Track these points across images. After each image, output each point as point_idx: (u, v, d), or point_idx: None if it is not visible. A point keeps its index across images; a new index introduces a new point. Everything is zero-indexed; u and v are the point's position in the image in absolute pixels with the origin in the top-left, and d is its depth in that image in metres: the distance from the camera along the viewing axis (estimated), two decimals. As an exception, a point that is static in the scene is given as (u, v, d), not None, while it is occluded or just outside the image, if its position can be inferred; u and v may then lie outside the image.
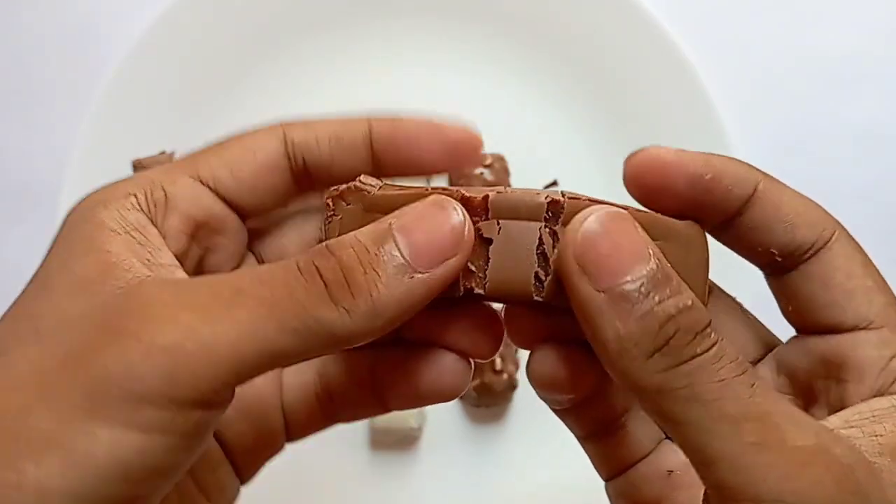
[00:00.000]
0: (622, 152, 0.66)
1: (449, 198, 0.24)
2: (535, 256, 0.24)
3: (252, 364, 0.20)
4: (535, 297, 0.24)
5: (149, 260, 0.24)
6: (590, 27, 0.58)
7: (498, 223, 0.24)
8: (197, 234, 0.27)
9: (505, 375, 0.55)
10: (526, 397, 0.57)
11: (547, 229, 0.24)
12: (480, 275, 0.24)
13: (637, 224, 0.23)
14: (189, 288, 0.22)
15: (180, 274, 0.25)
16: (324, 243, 0.22)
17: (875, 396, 0.24)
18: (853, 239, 0.26)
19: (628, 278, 0.21)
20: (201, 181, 0.26)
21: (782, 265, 0.27)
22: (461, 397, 0.57)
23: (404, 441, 0.56)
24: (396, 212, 0.23)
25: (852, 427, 0.23)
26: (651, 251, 0.22)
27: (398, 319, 0.22)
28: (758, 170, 0.27)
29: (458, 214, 0.23)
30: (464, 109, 0.61)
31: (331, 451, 0.56)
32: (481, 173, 0.57)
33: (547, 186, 0.59)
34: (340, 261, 0.21)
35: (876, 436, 0.22)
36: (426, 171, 0.29)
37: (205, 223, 0.26)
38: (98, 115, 0.56)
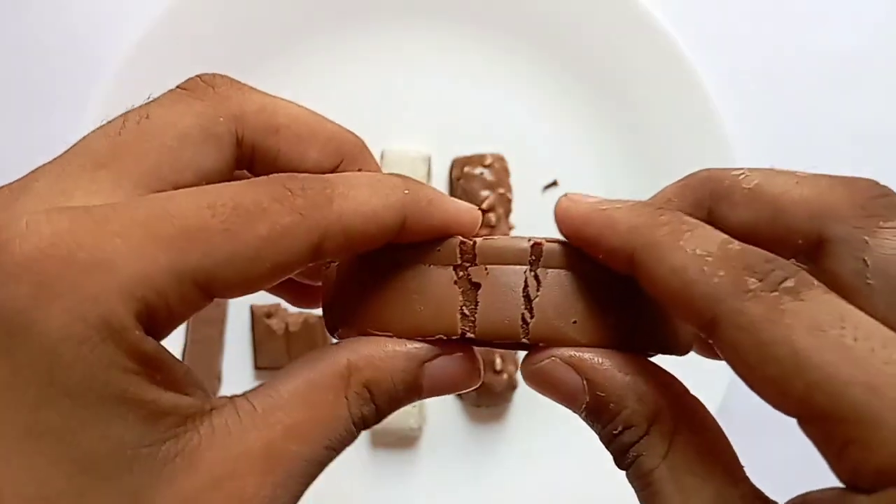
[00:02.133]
0: (622, 152, 0.67)
1: (478, 359, 0.26)
2: (521, 299, 0.24)
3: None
4: (523, 339, 0.24)
5: (172, 383, 0.21)
6: (590, 28, 0.58)
7: (486, 268, 0.25)
8: None
9: (505, 375, 0.55)
10: (526, 397, 0.57)
11: (532, 273, 0.25)
12: (471, 319, 0.24)
13: (567, 366, 0.25)
14: (286, 474, 0.22)
15: (193, 377, 0.23)
16: (367, 390, 0.24)
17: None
18: (747, 310, 0.20)
19: (578, 412, 0.25)
20: (212, 293, 0.21)
21: None
22: (461, 397, 0.57)
23: (404, 441, 0.56)
24: (433, 361, 0.25)
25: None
26: (581, 390, 0.24)
27: None
28: (647, 232, 0.22)
29: (479, 376, 0.26)
30: (464, 109, 0.61)
31: (331, 451, 0.56)
32: (481, 173, 0.57)
33: (547, 186, 0.59)
34: (376, 399, 0.24)
35: None
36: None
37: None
38: (98, 115, 0.56)
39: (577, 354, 0.24)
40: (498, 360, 0.54)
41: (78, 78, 0.59)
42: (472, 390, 0.54)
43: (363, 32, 0.60)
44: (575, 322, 0.24)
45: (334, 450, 0.23)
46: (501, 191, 0.57)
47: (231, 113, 0.25)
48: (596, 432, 0.25)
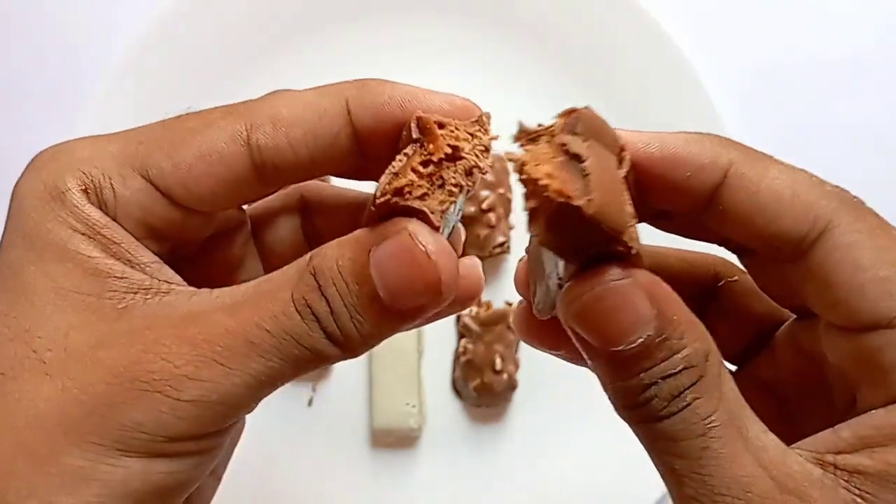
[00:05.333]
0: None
1: (417, 244, 0.22)
2: (626, 191, 0.21)
3: (261, 394, 0.23)
4: (625, 238, 0.20)
5: (130, 261, 0.24)
6: (591, 29, 0.58)
7: (586, 142, 0.21)
8: (150, 237, 0.25)
9: (505, 375, 0.55)
10: (526, 397, 0.57)
11: (622, 172, 0.22)
12: (577, 189, 0.20)
13: (641, 293, 0.21)
14: (198, 335, 0.22)
15: (166, 272, 0.24)
16: (313, 277, 0.23)
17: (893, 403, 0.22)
18: (864, 217, 0.22)
19: (621, 347, 0.21)
20: (152, 183, 0.24)
21: (782, 257, 0.23)
22: (461, 397, 0.57)
23: (404, 441, 0.57)
24: (378, 247, 0.22)
25: (862, 450, 0.21)
26: (646, 322, 0.21)
27: (381, 339, 0.24)
28: (736, 147, 0.23)
29: (428, 262, 0.22)
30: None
31: (331, 451, 0.56)
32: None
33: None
34: (332, 303, 0.23)
35: (889, 465, 0.21)
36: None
37: (157, 228, 0.25)
38: (97, 115, 0.56)
39: (658, 281, 0.21)
40: (498, 360, 0.55)
41: (77, 78, 0.59)
42: (473, 390, 0.54)
43: (361, 33, 0.60)
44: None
45: (269, 332, 0.22)
46: (501, 191, 0.57)
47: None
48: (626, 377, 0.21)
